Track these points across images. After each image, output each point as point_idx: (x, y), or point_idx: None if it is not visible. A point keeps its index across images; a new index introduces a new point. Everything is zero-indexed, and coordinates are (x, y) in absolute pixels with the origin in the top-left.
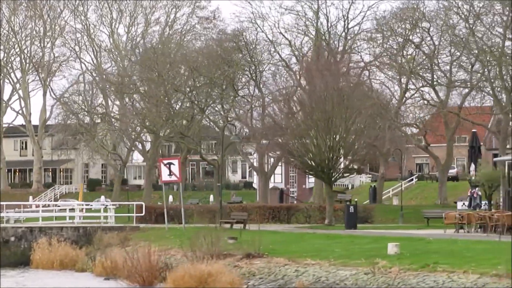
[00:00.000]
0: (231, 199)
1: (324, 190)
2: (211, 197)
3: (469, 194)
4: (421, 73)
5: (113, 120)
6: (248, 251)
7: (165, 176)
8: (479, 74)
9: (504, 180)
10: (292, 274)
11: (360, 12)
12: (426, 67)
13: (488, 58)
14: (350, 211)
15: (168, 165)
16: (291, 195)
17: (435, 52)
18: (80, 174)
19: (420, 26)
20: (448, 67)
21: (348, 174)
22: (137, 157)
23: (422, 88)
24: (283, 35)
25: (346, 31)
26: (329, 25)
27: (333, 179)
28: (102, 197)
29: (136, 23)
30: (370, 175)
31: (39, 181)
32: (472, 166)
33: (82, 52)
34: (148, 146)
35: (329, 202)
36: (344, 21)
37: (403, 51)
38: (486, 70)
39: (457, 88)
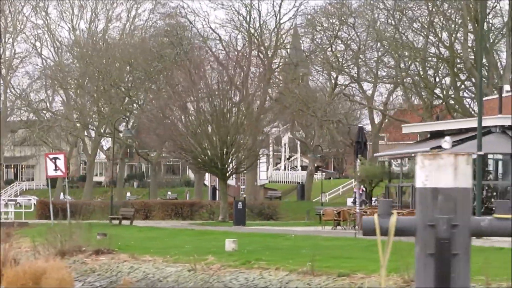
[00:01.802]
0: (167, 196)
1: (253, 186)
2: (168, 194)
3: (355, 190)
4: (346, 70)
5: (53, 115)
6: (98, 247)
7: (50, 171)
8: (403, 71)
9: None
10: (126, 271)
11: (293, 7)
12: (352, 63)
13: (411, 55)
14: (238, 207)
15: (53, 160)
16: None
17: (360, 48)
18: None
19: (347, 22)
20: (374, 64)
21: (243, 169)
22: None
23: (352, 84)
24: (213, 31)
25: (278, 26)
26: (261, 21)
27: (227, 174)
28: (61, 194)
29: (97, 19)
30: (325, 172)
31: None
32: (358, 162)
33: (43, 48)
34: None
35: (223, 198)
36: (276, 17)
37: (332, 47)
38: (410, 67)
39: (383, 84)
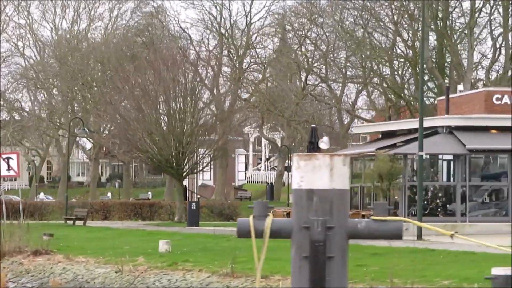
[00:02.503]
0: (140, 196)
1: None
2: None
3: None
4: (315, 70)
5: (26, 114)
6: (36, 247)
7: (3, 171)
8: (370, 72)
9: None
10: (58, 272)
11: (264, 7)
12: (321, 63)
13: (376, 55)
14: (192, 208)
15: (6, 160)
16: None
17: (329, 48)
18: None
19: (316, 21)
20: (343, 64)
21: (200, 169)
22: (81, 154)
23: (321, 84)
24: (184, 30)
25: (248, 26)
26: (232, 21)
27: (183, 174)
28: (41, 194)
29: (79, 19)
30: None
31: None
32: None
33: (25, 48)
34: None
35: (179, 198)
36: (246, 16)
37: (302, 47)
38: (377, 67)
39: (351, 84)
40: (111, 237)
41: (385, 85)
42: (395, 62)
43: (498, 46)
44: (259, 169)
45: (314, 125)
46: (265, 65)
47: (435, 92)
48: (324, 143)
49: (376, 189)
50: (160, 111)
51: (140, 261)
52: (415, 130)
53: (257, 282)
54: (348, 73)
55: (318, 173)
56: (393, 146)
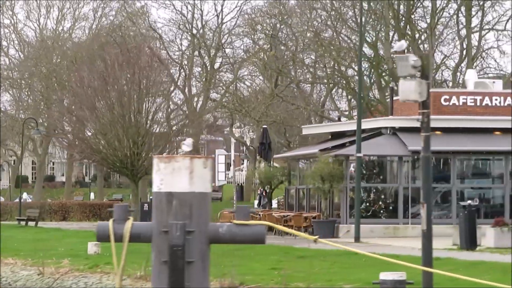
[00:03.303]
0: (113, 197)
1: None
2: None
3: (259, 192)
4: (285, 70)
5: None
6: None
7: None
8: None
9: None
10: None
11: (235, 7)
12: (291, 64)
13: (339, 55)
14: (144, 209)
15: None
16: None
17: (298, 48)
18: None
19: (286, 22)
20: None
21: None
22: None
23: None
24: (154, 30)
25: (220, 26)
26: (203, 22)
27: (138, 175)
28: (25, 194)
29: (64, 19)
30: None
31: None
32: (263, 163)
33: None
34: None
35: (134, 200)
36: (218, 16)
37: (271, 48)
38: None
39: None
40: (54, 239)
41: (345, 85)
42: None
43: (465, 46)
44: (241, 170)
45: (265, 126)
46: (234, 66)
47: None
48: (186, 145)
49: (318, 190)
50: (115, 111)
51: (65, 263)
52: (362, 131)
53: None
54: (320, 73)
55: (177, 176)
56: (342, 146)
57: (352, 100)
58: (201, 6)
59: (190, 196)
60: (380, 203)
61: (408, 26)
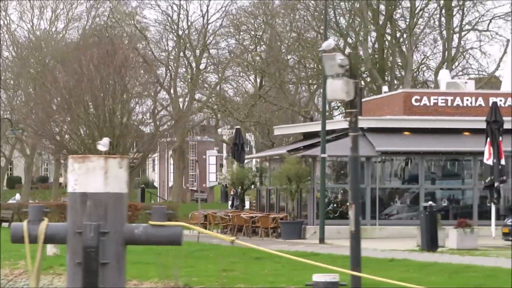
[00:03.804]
0: None
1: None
2: None
3: (231, 193)
4: (268, 71)
5: None
6: None
7: None
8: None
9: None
10: None
11: (221, 7)
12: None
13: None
14: None
15: None
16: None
17: (281, 49)
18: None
19: (270, 23)
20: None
21: (130, 171)
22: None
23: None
24: (139, 31)
25: (206, 27)
26: (189, 22)
27: None
28: (17, 195)
29: (57, 19)
30: None
31: None
32: (235, 164)
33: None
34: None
35: None
36: (203, 17)
37: (256, 48)
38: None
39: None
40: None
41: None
42: None
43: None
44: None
45: (238, 127)
46: (218, 66)
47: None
48: (101, 145)
49: (285, 191)
50: (90, 111)
51: (21, 264)
52: (332, 131)
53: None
54: (304, 74)
55: (92, 176)
56: (313, 146)
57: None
58: (186, 7)
59: (105, 196)
60: (348, 204)
61: (388, 26)
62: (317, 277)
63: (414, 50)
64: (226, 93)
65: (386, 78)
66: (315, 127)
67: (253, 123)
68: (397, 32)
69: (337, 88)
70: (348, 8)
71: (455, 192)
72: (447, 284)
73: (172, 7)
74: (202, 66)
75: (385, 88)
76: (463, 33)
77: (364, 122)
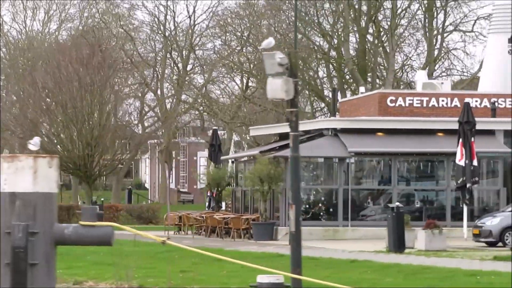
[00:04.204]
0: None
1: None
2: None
3: (208, 194)
4: (254, 72)
5: None
6: None
7: None
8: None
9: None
10: None
11: (208, 8)
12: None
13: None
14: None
15: None
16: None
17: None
18: None
19: (255, 23)
20: None
21: (109, 172)
22: None
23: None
24: (126, 32)
25: (192, 28)
26: (175, 23)
27: (92, 177)
28: None
29: (51, 20)
30: None
31: None
32: (212, 166)
33: None
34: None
35: (87, 201)
36: (190, 18)
37: (243, 49)
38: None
39: None
40: None
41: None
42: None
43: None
44: None
45: (215, 128)
46: (204, 68)
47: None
48: (33, 144)
49: (257, 192)
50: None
51: None
52: (306, 132)
53: None
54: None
55: (20, 175)
56: (287, 147)
57: (314, 102)
58: (173, 8)
59: (34, 196)
60: (320, 205)
61: (370, 27)
62: (261, 278)
63: (396, 50)
64: (213, 94)
65: (368, 79)
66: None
67: (239, 124)
68: (380, 32)
69: (277, 87)
70: (331, 9)
71: (428, 193)
72: (400, 285)
73: (158, 8)
74: (189, 67)
75: (362, 89)
76: (446, 34)
77: (336, 123)
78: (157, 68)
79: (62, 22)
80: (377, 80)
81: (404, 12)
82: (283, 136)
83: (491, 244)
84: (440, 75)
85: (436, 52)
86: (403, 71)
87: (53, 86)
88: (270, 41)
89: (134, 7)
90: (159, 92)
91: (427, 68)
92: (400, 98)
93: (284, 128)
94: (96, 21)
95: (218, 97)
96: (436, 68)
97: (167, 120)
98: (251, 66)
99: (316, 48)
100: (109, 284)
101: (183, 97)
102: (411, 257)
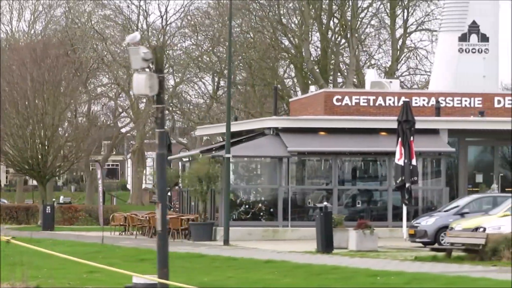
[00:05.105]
0: (61, 200)
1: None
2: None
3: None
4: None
5: None
6: None
7: None
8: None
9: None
10: None
11: (181, 8)
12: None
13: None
14: (47, 211)
15: None
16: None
17: (236, 49)
18: None
19: (225, 24)
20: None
21: (63, 172)
22: None
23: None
24: (97, 32)
25: (165, 28)
26: (147, 23)
27: (47, 177)
28: None
29: (36, 21)
30: None
31: None
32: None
33: None
34: None
35: (43, 202)
36: (162, 17)
37: (214, 49)
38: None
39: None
40: None
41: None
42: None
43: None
44: None
45: (166, 128)
46: (173, 68)
47: None
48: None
49: (195, 192)
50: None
51: None
52: (249, 131)
53: None
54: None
55: None
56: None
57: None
58: (146, 7)
59: None
60: (260, 205)
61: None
62: (136, 279)
63: (356, 50)
64: (187, 95)
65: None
66: (236, 127)
67: (208, 124)
68: (342, 32)
69: (141, 83)
70: (292, 8)
71: (370, 193)
72: (296, 285)
73: (130, 7)
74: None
75: (312, 88)
76: (410, 33)
77: (278, 122)
78: (130, 70)
79: (48, 23)
80: (340, 80)
81: (366, 10)
82: (232, 135)
83: (427, 244)
84: (402, 75)
85: (405, 50)
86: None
87: (5, 85)
88: (135, 36)
89: (106, 7)
90: (131, 93)
91: (389, 68)
92: (346, 97)
93: (232, 127)
94: (82, 22)
95: (191, 98)
96: (398, 67)
97: (139, 121)
98: (222, 66)
99: (278, 48)
100: (10, 284)
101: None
102: (335, 258)
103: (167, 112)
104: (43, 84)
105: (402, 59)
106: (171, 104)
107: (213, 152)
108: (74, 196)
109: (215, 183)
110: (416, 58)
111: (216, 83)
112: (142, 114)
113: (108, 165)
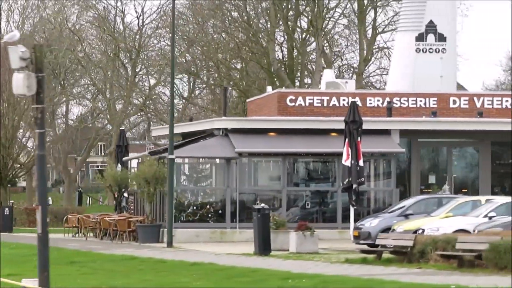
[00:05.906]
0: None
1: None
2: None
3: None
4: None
5: None
6: None
7: None
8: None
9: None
10: None
11: (157, 9)
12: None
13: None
14: (5, 213)
15: None
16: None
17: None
18: None
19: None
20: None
21: (23, 174)
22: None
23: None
24: (73, 33)
25: (141, 29)
26: (124, 24)
27: (7, 179)
28: None
29: (25, 22)
30: None
31: None
32: (119, 167)
33: None
34: None
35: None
36: (138, 18)
37: (189, 50)
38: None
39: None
40: None
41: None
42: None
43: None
44: None
45: (122, 128)
46: (148, 69)
47: None
48: None
49: (142, 194)
50: None
51: None
52: (199, 132)
53: None
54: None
55: None
56: (179, 147)
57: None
58: (122, 8)
59: None
60: (208, 206)
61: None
62: (26, 282)
63: (323, 50)
64: (164, 95)
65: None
66: (191, 127)
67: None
68: (308, 32)
69: (20, 82)
70: (260, 8)
71: (321, 194)
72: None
73: (107, 8)
74: (137, 69)
75: (268, 89)
76: (383, 33)
77: (227, 123)
78: (108, 72)
79: (36, 25)
80: (307, 80)
81: (333, 11)
82: (186, 136)
83: (371, 246)
84: (371, 75)
85: (375, 50)
86: (340, 71)
87: None
88: (14, 34)
89: (82, 8)
90: (107, 94)
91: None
92: (300, 98)
93: (185, 127)
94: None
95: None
96: (368, 67)
97: (114, 122)
98: (197, 67)
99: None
100: None
101: (135, 101)
102: (269, 260)
103: (142, 112)
104: (4, 85)
105: (372, 59)
106: (145, 105)
107: (161, 153)
108: (59, 197)
109: (162, 184)
110: (389, 59)
111: (191, 84)
112: (117, 115)
113: (97, 166)
